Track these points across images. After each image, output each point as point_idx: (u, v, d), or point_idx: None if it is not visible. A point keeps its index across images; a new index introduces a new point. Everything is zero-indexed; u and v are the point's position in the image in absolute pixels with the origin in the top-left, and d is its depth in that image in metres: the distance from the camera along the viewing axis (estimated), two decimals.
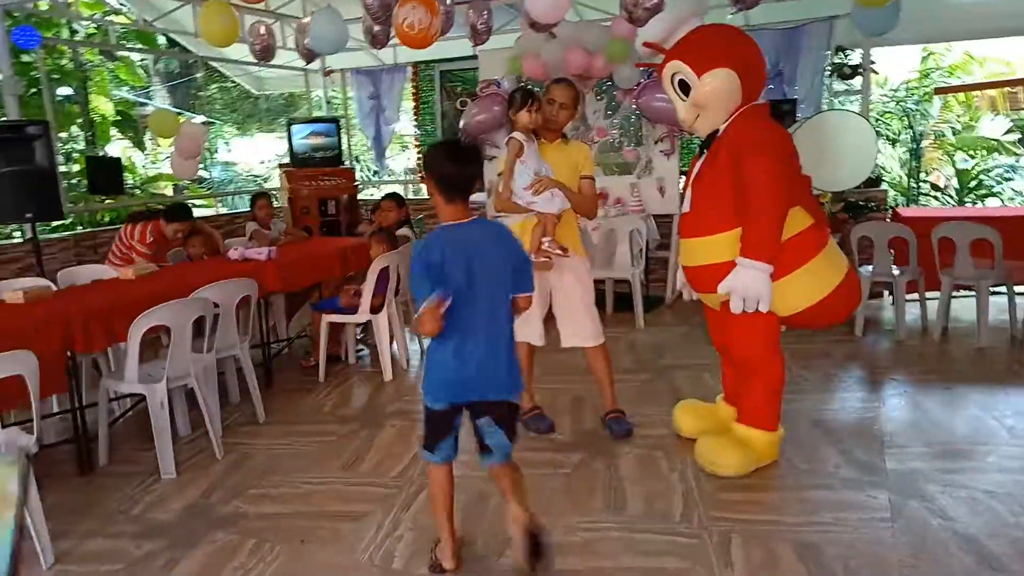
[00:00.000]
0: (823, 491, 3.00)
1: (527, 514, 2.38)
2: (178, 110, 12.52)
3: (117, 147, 10.17)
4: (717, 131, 3.13)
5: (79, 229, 7.06)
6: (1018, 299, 5.04)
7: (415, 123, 8.79)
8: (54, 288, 3.99)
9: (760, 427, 3.19)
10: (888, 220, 6.03)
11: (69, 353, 3.32)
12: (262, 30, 6.34)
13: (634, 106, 6.23)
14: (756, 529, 2.73)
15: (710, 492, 3.02)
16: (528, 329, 3.59)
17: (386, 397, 4.39)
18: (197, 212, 10.05)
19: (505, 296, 2.40)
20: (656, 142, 6.34)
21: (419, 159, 8.84)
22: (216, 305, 3.68)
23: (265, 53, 6.44)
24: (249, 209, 6.22)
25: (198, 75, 12.58)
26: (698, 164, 3.25)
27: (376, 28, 5.57)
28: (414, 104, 8.66)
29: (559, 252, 3.43)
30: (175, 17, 7.40)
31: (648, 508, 2.92)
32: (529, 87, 3.77)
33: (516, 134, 3.42)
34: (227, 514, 3.01)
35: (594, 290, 3.71)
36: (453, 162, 2.34)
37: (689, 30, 3.15)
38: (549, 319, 3.63)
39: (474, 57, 7.21)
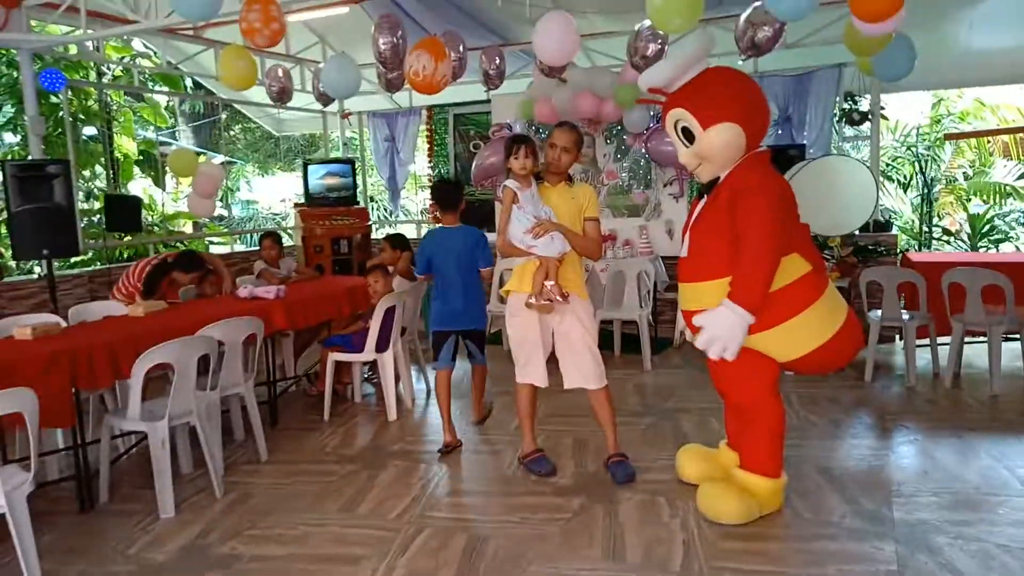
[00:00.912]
0: (827, 541, 2.93)
1: (480, 405, 4.53)
2: (201, 150, 12.82)
3: (139, 185, 10.40)
4: (719, 177, 3.15)
5: (97, 265, 7.17)
6: None
7: (429, 164, 8.92)
8: (64, 324, 4.04)
9: (762, 474, 3.14)
10: (898, 264, 5.98)
11: (74, 389, 3.35)
12: (279, 73, 6.51)
13: (643, 150, 6.30)
14: None
15: (711, 540, 2.96)
16: (531, 371, 3.61)
17: (389, 437, 4.38)
18: (214, 248, 10.26)
19: (474, 268, 4.09)
20: (665, 185, 6.39)
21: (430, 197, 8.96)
22: (221, 343, 3.71)
23: (282, 95, 6.61)
24: None
25: (221, 116, 12.89)
26: (697, 209, 3.27)
27: (389, 75, 5.70)
28: (428, 146, 8.80)
29: (559, 299, 3.44)
30: (199, 60, 7.64)
31: (647, 557, 2.87)
32: (520, 134, 3.84)
33: (509, 182, 3.49)
34: (222, 555, 3.00)
35: (597, 331, 3.71)
36: (442, 191, 4.21)
37: (695, 74, 3.13)
38: (552, 361, 3.62)
39: (487, 101, 7.35)
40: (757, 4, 4.62)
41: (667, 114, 3.21)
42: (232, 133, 14.92)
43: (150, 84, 10.17)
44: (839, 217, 5.41)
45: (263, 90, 6.70)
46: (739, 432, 3.35)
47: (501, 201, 3.54)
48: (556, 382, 3.65)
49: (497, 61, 6.06)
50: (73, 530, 3.28)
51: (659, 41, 5.01)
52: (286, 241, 8.56)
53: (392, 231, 8.50)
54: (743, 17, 4.76)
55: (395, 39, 5.13)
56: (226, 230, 11.48)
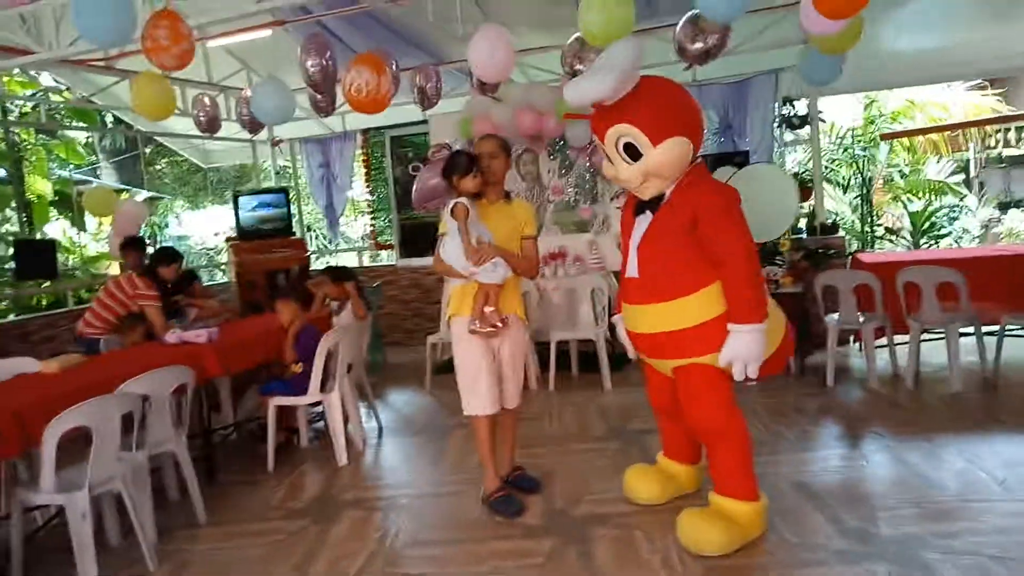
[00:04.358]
0: (817, 568, 2.77)
1: None
2: (125, 187, 12.19)
3: (57, 227, 9.77)
4: (662, 193, 3.01)
5: (11, 317, 6.62)
6: (986, 339, 4.98)
7: (367, 189, 8.63)
8: None
9: (740, 497, 2.98)
10: (848, 267, 5.98)
11: None
12: (206, 101, 6.17)
13: (588, 164, 6.16)
14: None
15: None
16: (480, 400, 3.42)
17: (340, 485, 4.05)
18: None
19: None
20: (612, 199, 6.26)
21: (372, 225, 8.65)
22: (146, 398, 3.35)
23: (211, 125, 6.26)
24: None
25: (146, 150, 12.32)
26: (639, 227, 3.10)
27: (319, 98, 5.43)
28: (365, 170, 8.52)
29: (499, 325, 3.35)
30: (114, 92, 7.20)
31: None
32: (466, 151, 3.69)
33: (461, 199, 3.31)
34: None
35: (527, 350, 3.72)
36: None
37: (631, 85, 2.95)
38: None
39: (424, 122, 7.13)
40: (691, 12, 4.54)
41: (606, 130, 3.00)
42: (158, 167, 14.29)
43: (63, 120, 9.59)
44: (765, 222, 5.34)
45: (187, 121, 6.33)
46: (688, 447, 3.43)
47: (455, 218, 3.32)
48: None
49: (433, 79, 5.85)
50: None
51: (595, 51, 4.88)
52: (220, 278, 8.15)
53: (332, 262, 8.17)
54: (681, 26, 4.68)
55: (324, 61, 4.87)
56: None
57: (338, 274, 5.18)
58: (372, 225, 8.68)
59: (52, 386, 3.51)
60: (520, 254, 3.46)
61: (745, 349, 2.83)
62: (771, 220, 5.27)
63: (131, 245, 5.61)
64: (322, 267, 8.52)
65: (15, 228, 8.73)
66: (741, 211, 2.92)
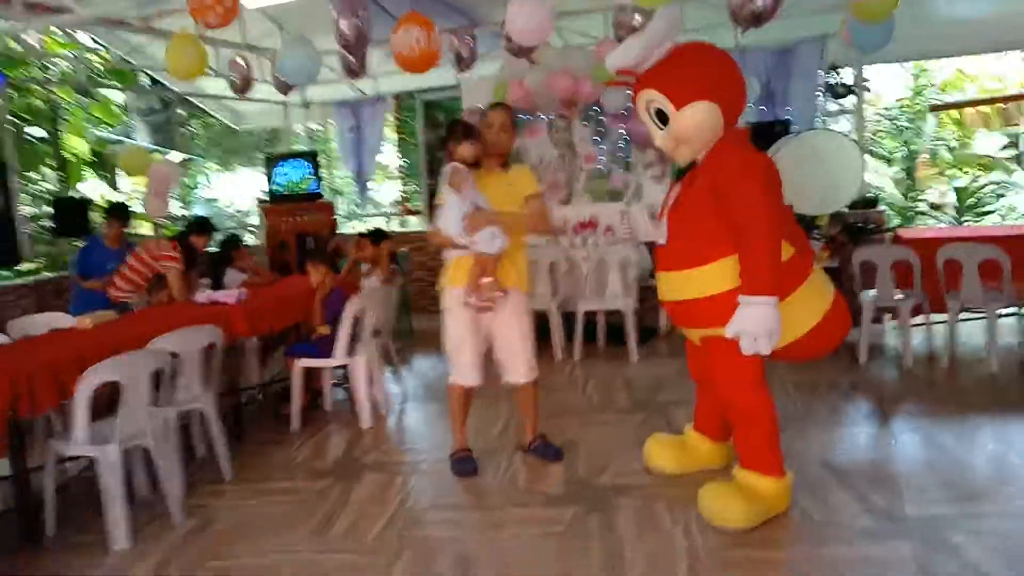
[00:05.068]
0: (840, 545, 2.72)
1: None
2: (157, 147, 12.31)
3: (92, 187, 9.91)
4: (696, 160, 2.96)
5: (47, 274, 6.76)
6: None
7: (398, 154, 8.60)
8: (3, 340, 3.70)
9: (765, 473, 2.93)
10: (889, 243, 5.81)
11: (12, 412, 3.02)
12: (240, 62, 6.15)
13: (622, 131, 6.05)
14: None
15: (717, 550, 2.74)
16: (462, 371, 3.46)
17: (363, 447, 4.09)
18: None
19: None
20: (645, 167, 6.15)
21: (402, 191, 8.63)
22: (175, 355, 3.40)
23: (244, 86, 6.25)
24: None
25: (176, 111, 12.38)
26: (674, 193, 3.07)
27: (352, 60, 5.37)
28: (397, 135, 8.47)
29: (499, 294, 3.30)
30: (151, 53, 7.22)
31: (650, 570, 2.63)
32: (462, 120, 3.66)
33: (458, 164, 3.26)
34: None
35: (532, 321, 3.60)
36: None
37: (664, 52, 2.91)
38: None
39: (456, 86, 7.04)
40: None
41: (638, 96, 3.02)
42: (190, 129, 14.37)
43: (102, 80, 9.66)
44: (826, 195, 5.21)
45: (220, 82, 6.33)
46: (718, 424, 3.35)
47: (452, 185, 3.29)
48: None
49: (469, 42, 5.75)
50: (17, 567, 2.97)
51: (642, 13, 4.74)
52: (250, 240, 8.22)
53: (361, 227, 8.19)
54: None
55: (359, 21, 4.80)
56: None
57: (377, 235, 5.22)
58: (402, 191, 8.66)
59: (85, 341, 3.57)
60: (527, 213, 3.40)
61: (753, 322, 2.73)
62: (836, 190, 5.16)
63: (114, 213, 5.46)
64: (350, 231, 8.58)
65: (52, 186, 8.87)
66: (770, 180, 2.81)
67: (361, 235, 5.34)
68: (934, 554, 2.61)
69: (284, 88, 6.37)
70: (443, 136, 3.40)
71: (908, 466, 3.37)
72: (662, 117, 2.94)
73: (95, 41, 9.15)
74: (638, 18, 4.70)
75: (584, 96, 5.82)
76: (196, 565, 2.89)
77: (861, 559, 2.62)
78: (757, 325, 2.72)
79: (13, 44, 6.48)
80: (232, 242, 5.44)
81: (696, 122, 2.87)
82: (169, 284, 4.78)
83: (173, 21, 6.07)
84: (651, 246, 6.08)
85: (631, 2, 4.74)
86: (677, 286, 3.02)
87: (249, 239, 7.70)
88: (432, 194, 8.06)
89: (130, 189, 10.54)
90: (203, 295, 4.46)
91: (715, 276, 2.87)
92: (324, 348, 4.41)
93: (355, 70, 5.40)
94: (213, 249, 5.61)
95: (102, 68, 9.35)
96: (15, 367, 3.06)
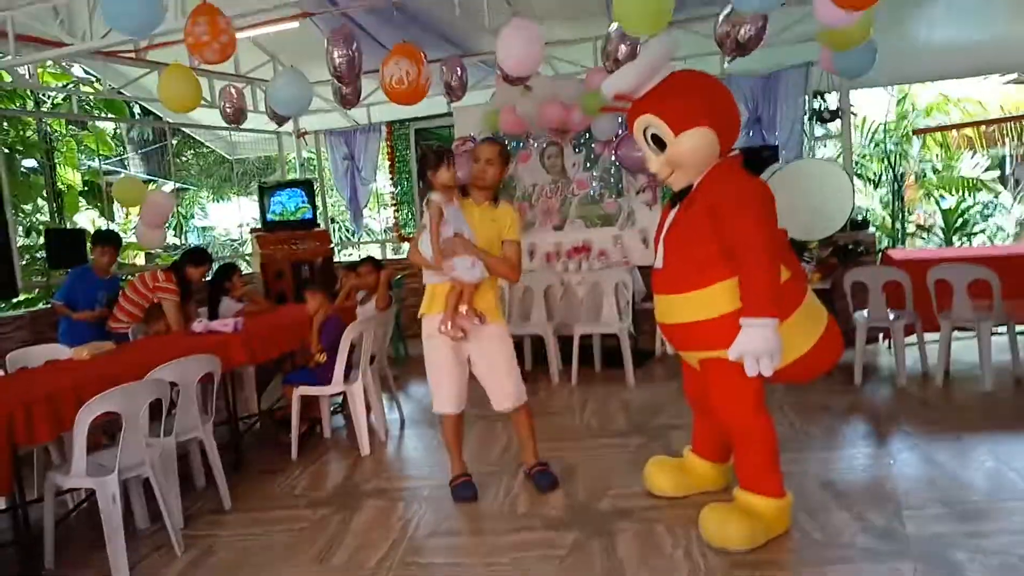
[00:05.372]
0: (842, 565, 2.73)
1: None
2: (151, 177, 12.35)
3: (86, 217, 9.92)
4: (691, 184, 3.01)
5: (41, 305, 6.74)
6: (1019, 339, 4.88)
7: (391, 182, 8.66)
8: (0, 372, 3.69)
9: (765, 493, 2.95)
10: (878, 264, 5.89)
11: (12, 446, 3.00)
12: (233, 93, 6.21)
13: (613, 158, 6.13)
14: None
15: (720, 571, 2.74)
16: (442, 399, 3.50)
17: (363, 474, 4.08)
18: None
19: None
20: (637, 192, 6.22)
21: (395, 217, 8.68)
22: (174, 385, 3.39)
23: (237, 116, 6.30)
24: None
25: (171, 142, 12.46)
26: (670, 217, 3.12)
27: (345, 90, 5.44)
28: (390, 163, 8.54)
29: (476, 321, 3.35)
30: (143, 84, 7.28)
31: None
32: (440, 147, 3.72)
33: (434, 195, 3.32)
34: None
35: (513, 349, 3.62)
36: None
37: (661, 78, 2.98)
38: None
39: (449, 115, 7.13)
40: (729, 5, 4.49)
41: (635, 121, 3.07)
42: (184, 159, 14.44)
43: (94, 111, 9.72)
44: (816, 221, 5.28)
45: (214, 112, 6.39)
46: (717, 446, 3.36)
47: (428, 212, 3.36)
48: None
49: (459, 72, 5.84)
50: None
51: (630, 42, 4.84)
52: (245, 268, 8.22)
53: (362, 255, 8.21)
54: (722, 17, 4.62)
55: (350, 52, 4.88)
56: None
57: (376, 263, 5.26)
58: (395, 217, 8.71)
59: (83, 372, 3.57)
60: (501, 256, 3.44)
61: (754, 344, 2.76)
62: (828, 216, 5.24)
63: (107, 241, 5.29)
64: (345, 260, 8.60)
65: (45, 218, 8.87)
66: (766, 205, 2.86)
67: (362, 261, 5.36)
68: (936, 571, 2.62)
69: (279, 119, 6.43)
70: (420, 166, 3.46)
71: (907, 484, 3.38)
72: (658, 142, 2.99)
73: (87, 72, 9.24)
74: (623, 48, 4.79)
75: (574, 124, 5.90)
76: None
77: None
78: (759, 346, 2.76)
79: (7, 76, 6.50)
80: (227, 271, 5.43)
81: (693, 148, 2.92)
82: (165, 314, 4.78)
83: (165, 53, 6.15)
84: (644, 270, 6.15)
85: (619, 31, 4.84)
86: (675, 309, 3.05)
87: (243, 267, 7.69)
88: None
89: (124, 219, 10.58)
90: (200, 325, 4.46)
91: (712, 299, 2.90)
92: (322, 376, 4.41)
93: (350, 99, 5.47)
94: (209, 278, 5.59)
95: (94, 100, 9.41)
96: (11, 398, 3.05)
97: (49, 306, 5.48)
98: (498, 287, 3.57)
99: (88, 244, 5.62)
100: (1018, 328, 4.90)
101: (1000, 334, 4.93)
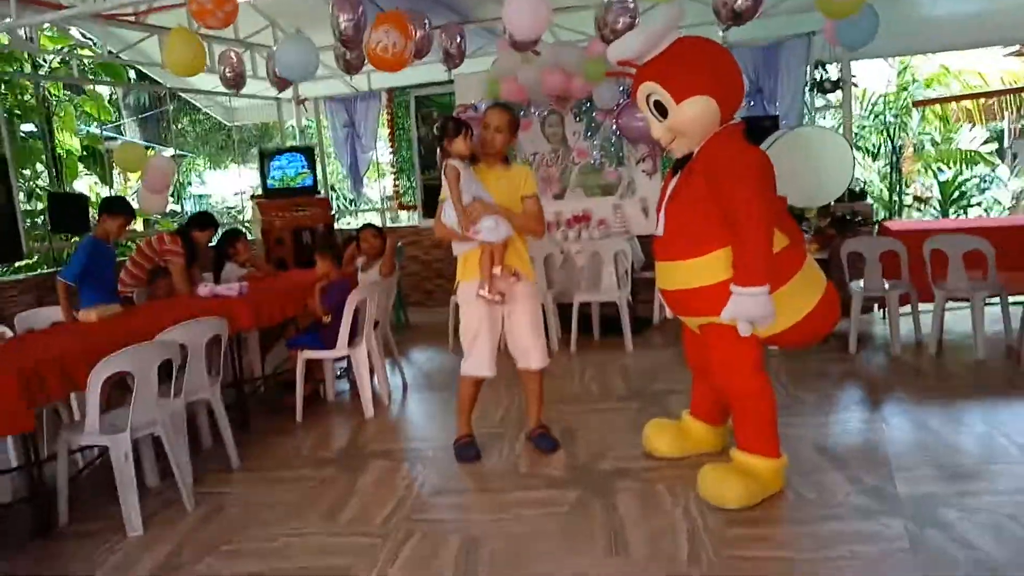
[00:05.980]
0: (835, 522, 2.83)
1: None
2: (148, 143, 12.27)
3: (84, 183, 9.89)
4: (692, 152, 3.05)
5: (44, 269, 6.76)
6: (1012, 309, 4.96)
7: (391, 150, 8.63)
8: (9, 334, 3.74)
9: (762, 453, 3.03)
10: (875, 234, 5.94)
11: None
12: (234, 58, 6.17)
13: (614, 126, 6.14)
14: (769, 568, 2.56)
15: (717, 528, 2.83)
16: (476, 362, 3.56)
17: (367, 436, 4.17)
18: None
19: None
20: (638, 162, 6.25)
21: (395, 185, 8.67)
22: (183, 347, 3.45)
23: (237, 81, 6.27)
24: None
25: (169, 107, 12.36)
26: (671, 185, 3.16)
27: (349, 55, 5.42)
28: (389, 131, 8.51)
29: (513, 279, 3.42)
30: (142, 48, 7.22)
31: (653, 550, 2.73)
32: (459, 116, 3.74)
33: (452, 161, 3.34)
34: (198, 574, 2.78)
35: (541, 309, 3.71)
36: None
37: (666, 45, 3.00)
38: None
39: (450, 82, 7.09)
40: None
41: (638, 88, 3.10)
42: (181, 125, 14.34)
43: (91, 76, 9.63)
44: (816, 189, 5.33)
45: (212, 78, 6.35)
46: (714, 409, 3.44)
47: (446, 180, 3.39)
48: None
49: (458, 39, 5.82)
50: (31, 556, 3.02)
51: (629, 14, 4.83)
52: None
53: (355, 222, 8.23)
54: None
55: (356, 16, 4.86)
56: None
57: (376, 228, 5.31)
58: (395, 186, 8.71)
59: (91, 334, 3.62)
60: (522, 212, 3.49)
61: (745, 312, 2.84)
62: (828, 184, 5.28)
63: (122, 209, 4.91)
64: (345, 226, 8.62)
65: (45, 183, 8.85)
66: (764, 174, 2.89)
67: (362, 229, 5.40)
68: (925, 528, 2.72)
69: (280, 84, 6.40)
70: (435, 134, 3.47)
71: (899, 448, 3.48)
72: (661, 109, 3.02)
73: (84, 36, 9.13)
74: (622, 19, 4.76)
75: (576, 91, 5.89)
76: (209, 549, 2.96)
77: (855, 534, 2.72)
78: (751, 311, 2.83)
79: (5, 39, 6.44)
80: (232, 236, 5.46)
81: (695, 115, 2.95)
82: (172, 275, 4.83)
83: (165, 17, 6.10)
84: (644, 240, 6.20)
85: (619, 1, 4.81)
86: (676, 276, 3.10)
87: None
88: (425, 189, 8.18)
89: (123, 185, 10.54)
90: (205, 288, 4.51)
91: (713, 266, 2.96)
92: (327, 339, 4.47)
93: (354, 64, 5.45)
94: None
95: (92, 64, 9.32)
96: (22, 359, 3.10)
97: (55, 271, 5.43)
98: (526, 248, 3.60)
99: (96, 211, 5.56)
100: (1011, 299, 4.98)
101: (993, 304, 5.01)
